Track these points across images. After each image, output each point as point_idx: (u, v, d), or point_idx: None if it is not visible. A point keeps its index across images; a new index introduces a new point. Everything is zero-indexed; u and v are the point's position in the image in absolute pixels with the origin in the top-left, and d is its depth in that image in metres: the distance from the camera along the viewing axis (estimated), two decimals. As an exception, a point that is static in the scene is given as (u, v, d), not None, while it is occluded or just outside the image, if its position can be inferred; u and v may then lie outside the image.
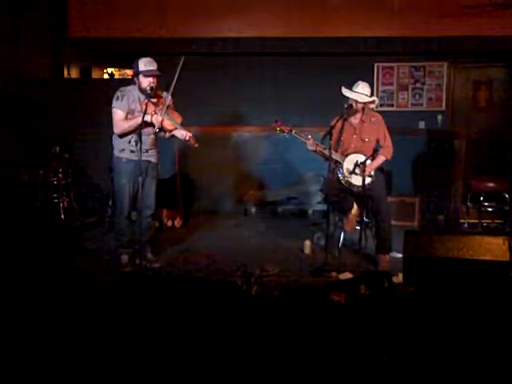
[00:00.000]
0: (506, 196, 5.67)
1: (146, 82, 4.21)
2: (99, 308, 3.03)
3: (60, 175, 6.06)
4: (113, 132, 4.35)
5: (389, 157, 4.66)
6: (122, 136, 4.32)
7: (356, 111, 4.60)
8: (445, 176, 6.16)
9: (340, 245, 4.93)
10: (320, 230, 5.37)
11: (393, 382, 2.56)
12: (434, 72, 7.14)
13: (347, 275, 4.15)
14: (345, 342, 2.82)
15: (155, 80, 4.24)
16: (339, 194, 4.64)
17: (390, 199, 5.12)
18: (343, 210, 4.83)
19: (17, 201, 5.61)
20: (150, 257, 4.61)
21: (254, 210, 6.74)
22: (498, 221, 5.88)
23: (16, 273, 3.62)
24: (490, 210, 5.85)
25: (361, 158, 4.51)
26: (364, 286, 3.54)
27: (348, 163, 4.57)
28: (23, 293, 3.28)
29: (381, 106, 6.67)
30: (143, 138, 4.05)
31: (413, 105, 7.20)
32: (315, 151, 4.58)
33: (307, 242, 5.04)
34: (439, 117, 7.11)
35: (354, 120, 4.67)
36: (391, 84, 7.19)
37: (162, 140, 4.55)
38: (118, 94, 4.31)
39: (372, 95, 4.66)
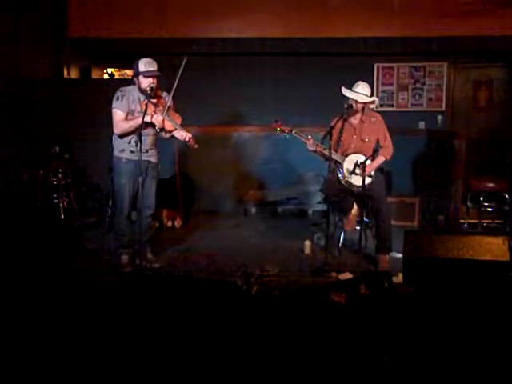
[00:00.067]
0: (506, 196, 5.67)
1: (146, 83, 4.21)
2: (99, 308, 3.03)
3: (60, 175, 6.06)
4: (113, 132, 4.35)
5: (389, 157, 4.66)
6: (122, 136, 4.32)
7: (356, 111, 4.60)
8: (445, 176, 6.15)
9: (340, 245, 4.93)
10: (320, 230, 5.37)
11: (393, 381, 2.56)
12: (434, 72, 7.14)
13: (347, 275, 4.16)
14: (345, 342, 2.82)
15: (155, 80, 4.23)
16: (339, 194, 4.65)
17: (389, 199, 5.12)
18: (343, 210, 4.84)
19: (17, 201, 5.61)
20: (150, 257, 4.61)
21: (253, 210, 6.73)
22: (497, 221, 5.88)
23: (16, 273, 3.62)
24: (489, 210, 5.85)
25: (361, 158, 4.51)
26: (364, 286, 3.54)
27: (348, 163, 4.57)
28: (23, 293, 3.29)
29: (381, 106, 6.67)
30: (143, 138, 4.04)
31: (413, 105, 7.20)
32: (315, 151, 4.58)
33: (307, 242, 5.04)
34: (439, 117, 7.12)
35: (354, 120, 4.67)
36: (391, 84, 7.19)
37: (162, 140, 4.55)
38: (118, 94, 4.31)
39: (372, 95, 4.66)
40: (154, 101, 4.28)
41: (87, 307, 3.08)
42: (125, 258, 4.51)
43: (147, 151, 4.34)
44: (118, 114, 4.27)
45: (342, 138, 4.59)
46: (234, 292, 3.31)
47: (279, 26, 6.72)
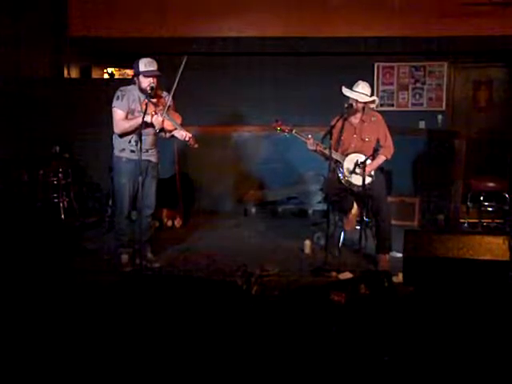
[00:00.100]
0: (506, 196, 5.68)
1: (146, 82, 4.21)
2: (99, 308, 3.03)
3: (60, 175, 6.05)
4: (113, 132, 4.35)
5: (389, 156, 4.66)
6: (122, 136, 4.32)
7: (356, 111, 4.60)
8: (445, 176, 6.15)
9: (340, 244, 4.93)
10: (320, 230, 5.36)
11: (393, 381, 2.56)
12: (434, 72, 7.14)
13: (347, 275, 4.15)
14: (345, 342, 2.82)
15: (155, 80, 4.23)
16: (339, 194, 4.65)
17: (390, 199, 5.11)
18: (343, 210, 4.83)
19: (17, 201, 5.61)
20: (150, 257, 4.61)
21: (253, 209, 6.73)
22: (497, 220, 5.88)
23: (16, 273, 3.62)
24: (489, 209, 5.85)
25: (361, 157, 4.51)
26: (364, 285, 3.54)
27: (348, 163, 4.57)
28: (23, 293, 3.28)
29: (381, 105, 6.67)
30: (143, 137, 4.05)
31: (413, 105, 7.21)
32: (315, 151, 4.58)
33: (307, 242, 5.04)
34: (439, 117, 7.12)
35: (355, 120, 4.67)
36: (391, 84, 7.19)
37: (162, 140, 4.55)
38: (118, 93, 4.31)
39: (372, 95, 4.66)
40: (154, 100, 4.29)
41: (87, 307, 3.07)
42: (125, 258, 4.51)
43: (147, 151, 4.34)
44: (118, 113, 4.27)
45: (342, 138, 4.59)
46: (233, 292, 3.31)
47: (279, 26, 6.73)
